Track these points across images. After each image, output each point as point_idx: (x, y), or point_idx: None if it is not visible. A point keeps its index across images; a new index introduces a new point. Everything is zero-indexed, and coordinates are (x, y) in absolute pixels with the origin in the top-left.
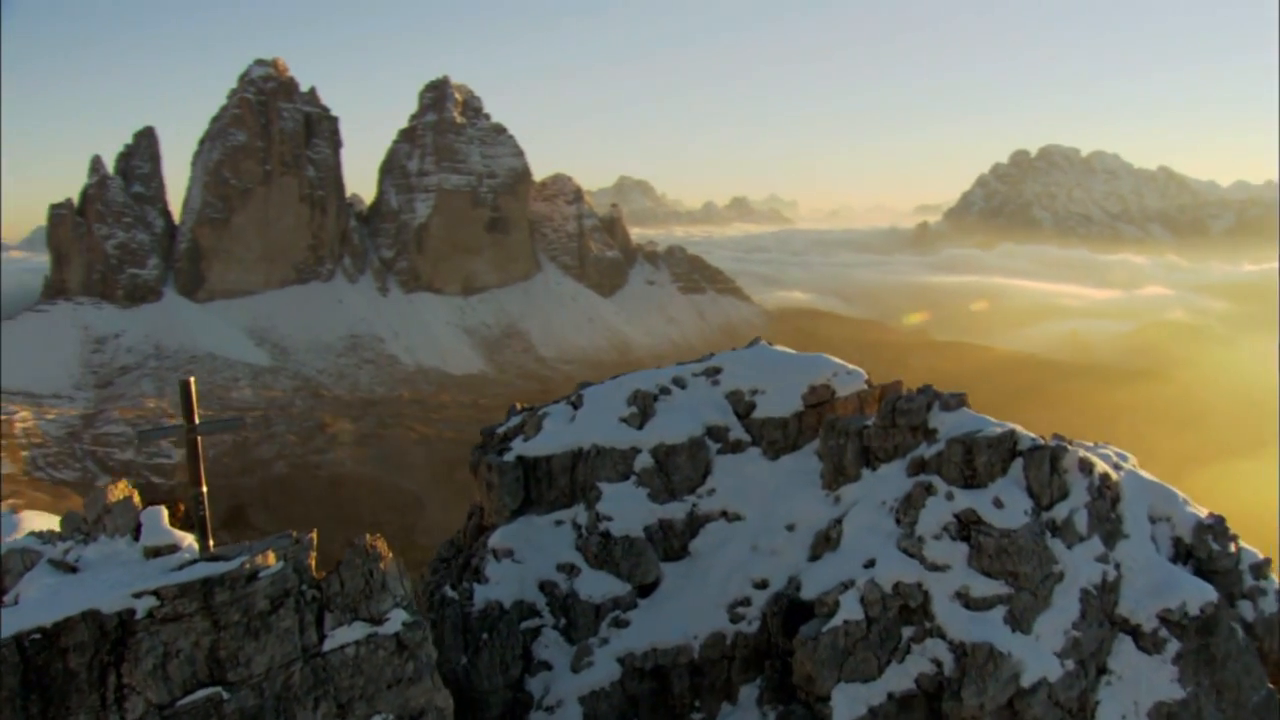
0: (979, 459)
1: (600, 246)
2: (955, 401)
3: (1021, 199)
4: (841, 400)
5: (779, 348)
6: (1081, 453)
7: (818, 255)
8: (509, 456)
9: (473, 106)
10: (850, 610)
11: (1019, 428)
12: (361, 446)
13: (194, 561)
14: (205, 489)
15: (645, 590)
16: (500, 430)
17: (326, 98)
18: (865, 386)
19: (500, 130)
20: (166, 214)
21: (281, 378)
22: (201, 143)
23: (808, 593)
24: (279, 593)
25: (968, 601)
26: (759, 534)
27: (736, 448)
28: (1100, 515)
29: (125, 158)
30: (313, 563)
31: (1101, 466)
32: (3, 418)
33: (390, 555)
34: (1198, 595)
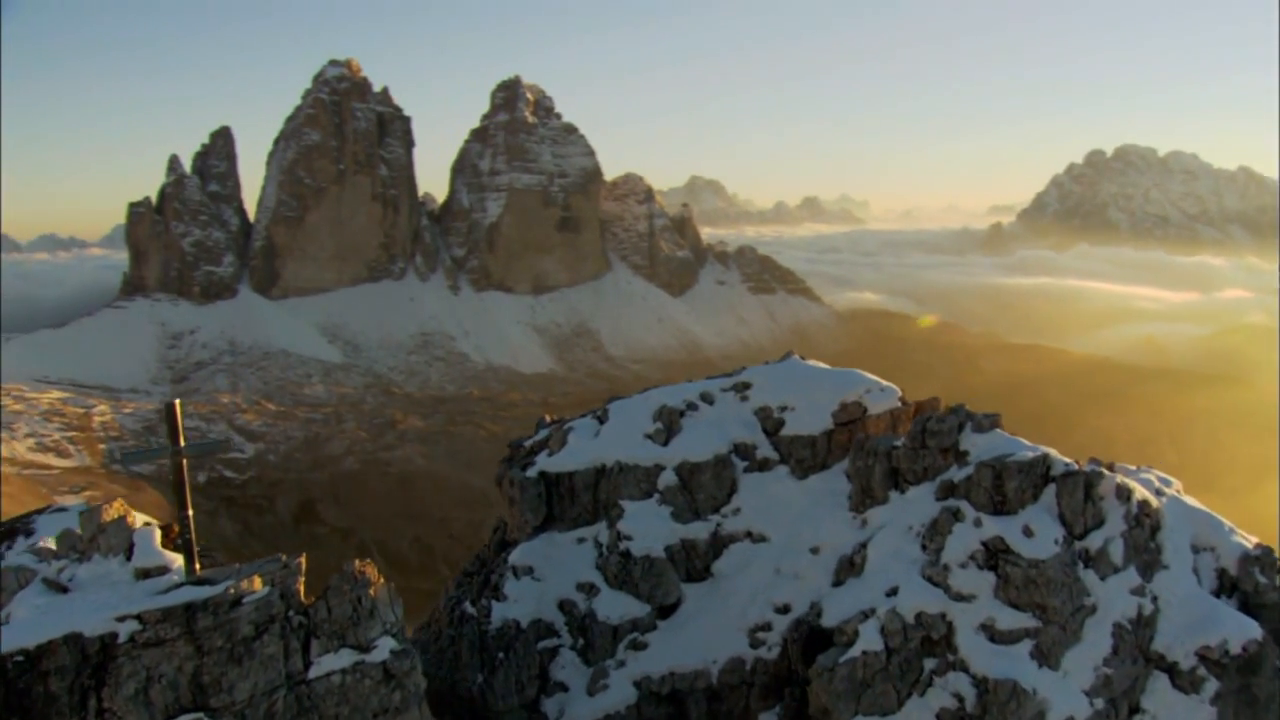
0: (1009, 484)
1: (671, 246)
2: (988, 423)
3: (1097, 200)
4: (873, 418)
5: (812, 362)
6: (1119, 478)
7: (889, 256)
8: (531, 472)
9: (544, 106)
10: (870, 640)
11: (1053, 451)
12: (431, 443)
13: (180, 585)
14: (191, 511)
15: (666, 611)
16: (527, 444)
17: (399, 98)
18: (899, 404)
19: (571, 130)
20: (242, 212)
21: (353, 374)
22: (276, 142)
23: (828, 620)
24: (264, 618)
25: (993, 634)
26: (783, 556)
27: (764, 466)
28: (1137, 545)
29: (202, 157)
30: (301, 588)
31: (1141, 493)
32: (82, 411)
33: (381, 581)
34: (1240, 632)
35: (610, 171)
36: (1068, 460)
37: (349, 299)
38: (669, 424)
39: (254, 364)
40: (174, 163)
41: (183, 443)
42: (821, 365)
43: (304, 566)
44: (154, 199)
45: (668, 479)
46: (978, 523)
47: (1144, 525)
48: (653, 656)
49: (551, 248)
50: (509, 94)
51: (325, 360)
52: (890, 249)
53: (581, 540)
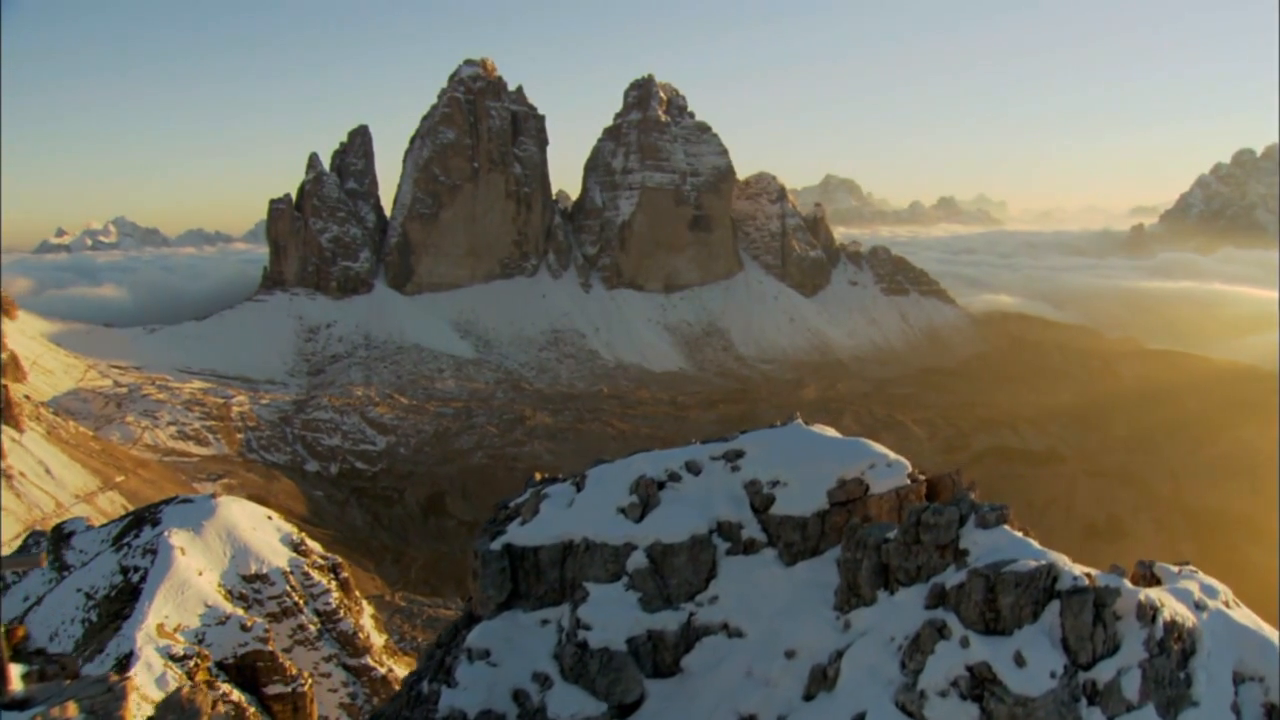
0: (1003, 599)
1: (803, 246)
2: (994, 517)
3: (1244, 201)
4: (875, 499)
5: (817, 428)
6: (1144, 594)
7: (1027, 258)
8: (497, 544)
9: (677, 105)
10: None
11: (1064, 561)
12: (559, 440)
13: None
14: (4, 626)
15: (626, 710)
16: (512, 504)
17: (533, 96)
18: (908, 482)
19: (704, 128)
20: (378, 209)
21: (484, 370)
22: (413, 140)
23: None
24: None
25: None
26: (758, 656)
27: (749, 548)
28: (1160, 676)
29: (340, 155)
30: (125, 714)
31: (1171, 612)
32: (221, 401)
33: (212, 710)
34: None
35: (743, 170)
36: (1077, 573)
37: (482, 295)
38: (646, 497)
39: (387, 358)
40: (313, 160)
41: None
42: (828, 432)
43: (129, 689)
44: (294, 196)
45: (637, 561)
46: (965, 642)
47: (1170, 652)
48: None
49: (683, 246)
50: (642, 93)
51: (457, 355)
52: (1028, 250)
53: (545, 622)
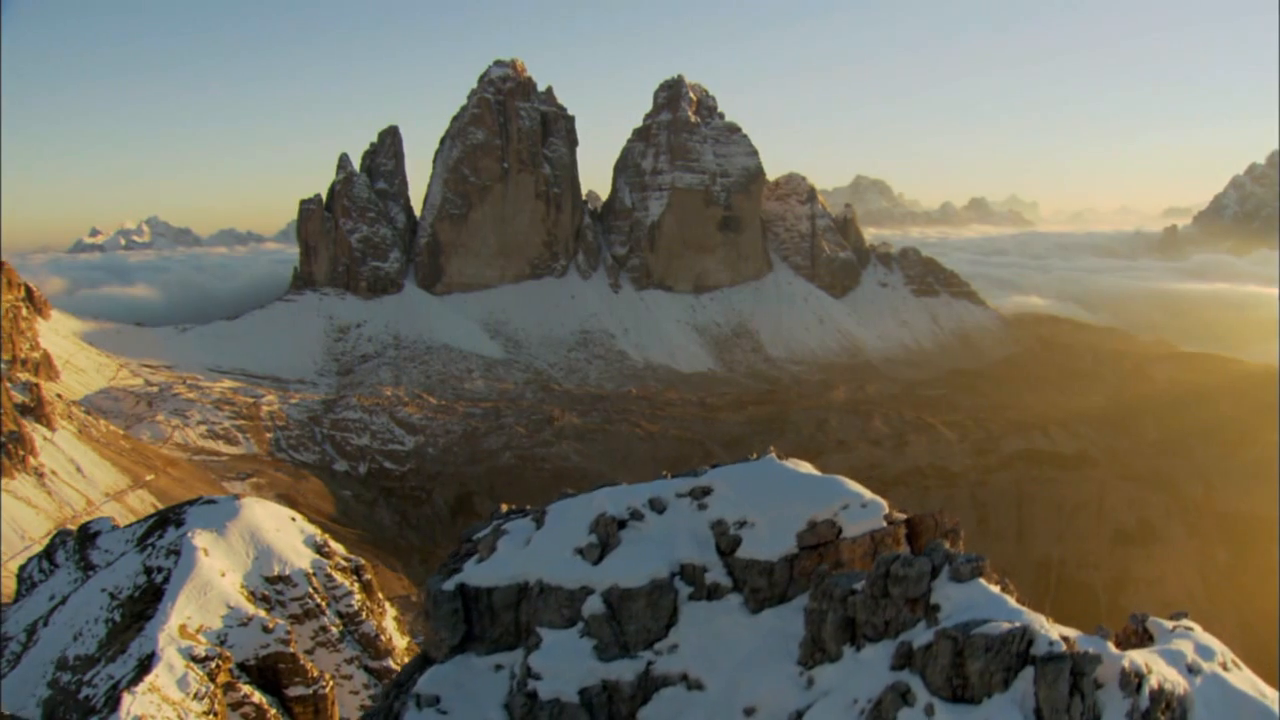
0: (971, 665)
1: (833, 247)
2: (969, 569)
3: None
4: (848, 543)
5: (792, 464)
6: (1126, 661)
7: (1059, 259)
8: (450, 584)
9: (707, 105)
10: None
11: (1043, 622)
12: (587, 441)
13: None
14: None
15: None
16: (476, 537)
17: (563, 97)
18: (883, 524)
19: (734, 129)
20: (408, 209)
21: (513, 370)
22: (442, 141)
23: None
24: None
25: None
26: (717, 712)
27: (713, 593)
28: None
29: (370, 155)
30: None
31: (1159, 678)
32: (251, 400)
33: None
34: None
35: (773, 171)
36: (1053, 637)
37: (511, 295)
38: (605, 537)
39: (417, 358)
40: (344, 161)
41: None
42: (803, 468)
43: None
44: (325, 196)
45: (593, 606)
46: (929, 710)
47: None
48: None
49: (713, 247)
50: (672, 93)
51: (486, 356)
52: (1060, 252)
53: (499, 667)
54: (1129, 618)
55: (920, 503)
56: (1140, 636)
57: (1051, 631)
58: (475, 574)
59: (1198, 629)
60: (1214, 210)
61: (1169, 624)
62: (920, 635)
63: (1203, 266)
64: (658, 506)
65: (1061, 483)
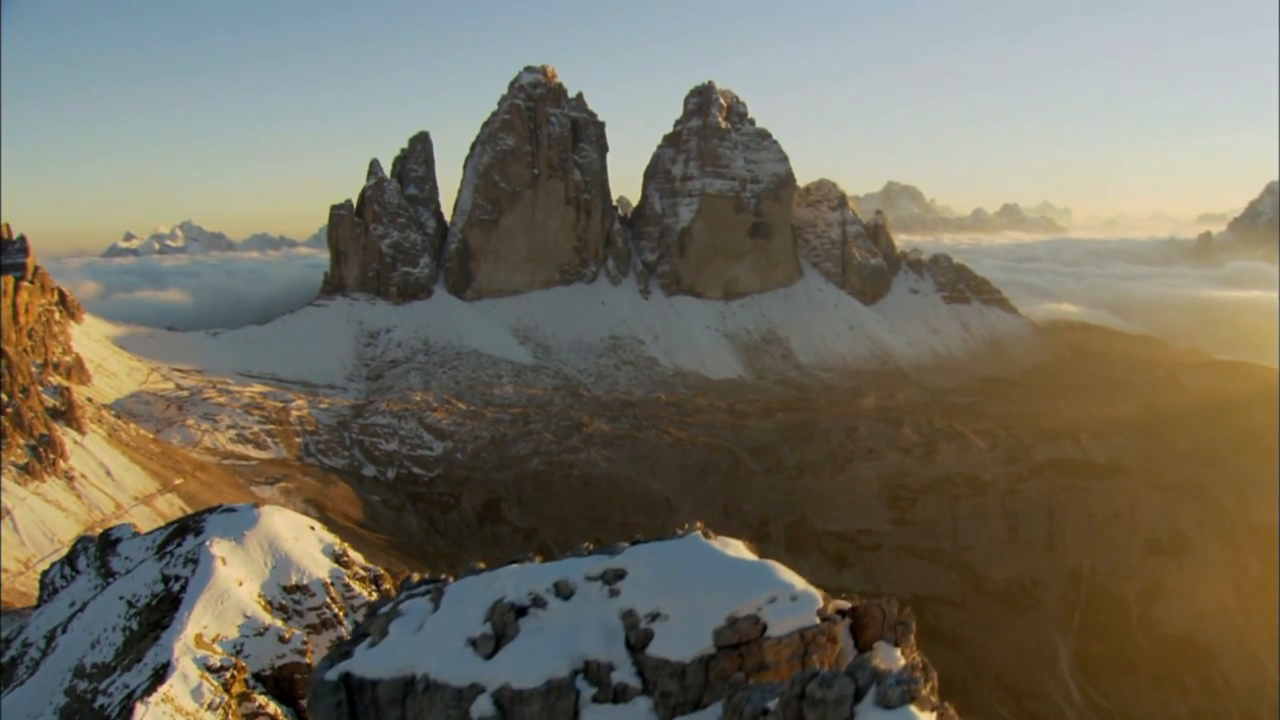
0: None
1: (864, 253)
2: (899, 694)
3: None
4: (773, 643)
5: (720, 543)
6: None
7: (1092, 266)
8: (333, 673)
9: (737, 111)
10: None
11: None
12: (615, 447)
13: None
14: None
15: None
16: (383, 610)
17: (593, 103)
18: (816, 621)
19: (765, 135)
20: (438, 215)
21: (543, 376)
22: (473, 147)
23: None
24: None
25: None
26: None
27: (619, 695)
28: None
29: (401, 161)
30: None
31: None
32: (280, 405)
33: None
34: None
35: (804, 177)
36: None
37: (541, 301)
38: (501, 627)
39: (446, 363)
40: (374, 166)
41: None
42: (733, 548)
43: None
44: (355, 202)
45: (482, 708)
46: None
47: None
48: None
49: (743, 253)
50: (702, 99)
51: (516, 361)
52: (1093, 259)
53: None
54: None
55: (950, 511)
56: None
57: None
58: (363, 662)
59: None
60: (1249, 216)
61: None
62: None
63: (1238, 273)
64: (564, 591)
65: (1093, 492)
